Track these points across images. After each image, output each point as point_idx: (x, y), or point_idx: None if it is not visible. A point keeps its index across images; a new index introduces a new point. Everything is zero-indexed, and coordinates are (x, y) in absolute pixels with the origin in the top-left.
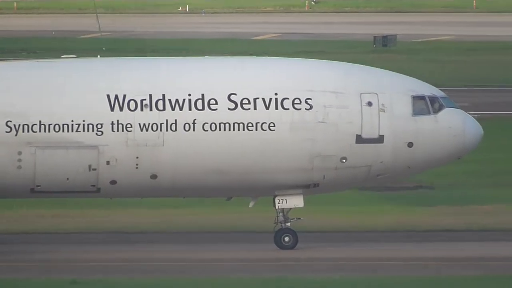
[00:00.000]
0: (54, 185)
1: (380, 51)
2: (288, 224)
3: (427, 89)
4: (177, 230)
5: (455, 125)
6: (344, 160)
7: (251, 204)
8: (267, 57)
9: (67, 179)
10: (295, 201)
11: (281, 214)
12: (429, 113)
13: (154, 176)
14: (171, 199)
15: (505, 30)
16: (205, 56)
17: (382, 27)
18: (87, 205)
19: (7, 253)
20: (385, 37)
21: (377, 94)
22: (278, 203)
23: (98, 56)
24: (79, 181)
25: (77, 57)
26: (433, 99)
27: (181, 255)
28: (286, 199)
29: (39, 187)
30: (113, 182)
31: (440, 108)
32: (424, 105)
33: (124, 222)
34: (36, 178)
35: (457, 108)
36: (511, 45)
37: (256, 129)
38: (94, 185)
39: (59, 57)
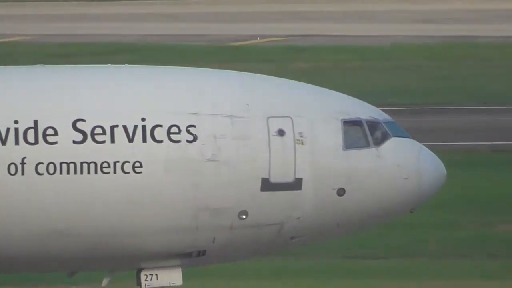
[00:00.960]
0: None
1: None
2: None
3: (364, 111)
4: None
5: (406, 162)
6: (243, 216)
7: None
8: (129, 65)
9: None
10: (170, 277)
11: None
12: (368, 146)
13: None
14: None
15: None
16: (39, 65)
17: None
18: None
19: None
20: None
21: (291, 119)
22: (145, 279)
23: None
24: None
25: None
26: (373, 125)
27: None
28: (156, 274)
29: None
30: None
31: (384, 137)
32: (360, 134)
33: None
34: None
35: (408, 137)
36: (192, 48)
37: (115, 171)
38: None
39: None
